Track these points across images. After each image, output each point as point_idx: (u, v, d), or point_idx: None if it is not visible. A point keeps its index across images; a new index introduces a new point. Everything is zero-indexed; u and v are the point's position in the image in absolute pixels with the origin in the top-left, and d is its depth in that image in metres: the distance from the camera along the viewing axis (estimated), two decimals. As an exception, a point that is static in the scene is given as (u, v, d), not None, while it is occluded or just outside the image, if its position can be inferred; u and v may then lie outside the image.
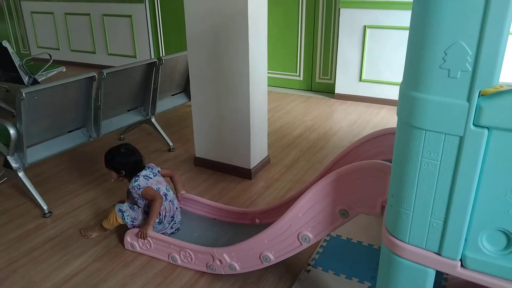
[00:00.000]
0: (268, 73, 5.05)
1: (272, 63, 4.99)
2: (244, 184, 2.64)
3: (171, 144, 3.18)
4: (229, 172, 2.74)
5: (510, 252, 0.96)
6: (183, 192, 2.22)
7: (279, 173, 2.79)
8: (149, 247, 1.92)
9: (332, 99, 4.58)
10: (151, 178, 2.00)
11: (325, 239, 2.03)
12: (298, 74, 4.94)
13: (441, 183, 0.97)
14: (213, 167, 2.80)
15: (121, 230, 2.09)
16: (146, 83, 2.95)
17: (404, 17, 3.95)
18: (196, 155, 2.88)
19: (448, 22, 0.86)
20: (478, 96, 0.89)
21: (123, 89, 2.81)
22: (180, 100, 3.43)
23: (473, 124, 0.90)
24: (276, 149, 3.20)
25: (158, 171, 2.07)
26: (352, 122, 3.81)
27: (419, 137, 0.97)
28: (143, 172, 1.99)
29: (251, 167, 2.68)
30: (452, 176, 0.95)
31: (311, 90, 4.90)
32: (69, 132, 2.65)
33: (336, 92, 4.56)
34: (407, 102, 0.97)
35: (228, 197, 2.50)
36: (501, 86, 2.54)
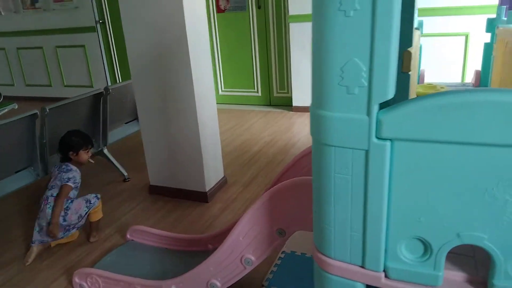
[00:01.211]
0: (226, 91, 5.08)
1: (230, 82, 5.01)
2: (201, 208, 2.61)
3: (125, 174, 3.13)
4: (185, 197, 2.70)
5: (427, 258, 0.97)
6: None
7: (236, 192, 2.78)
8: (98, 286, 1.86)
9: (291, 112, 4.63)
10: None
11: (279, 257, 2.01)
12: (256, 90, 4.97)
13: (355, 196, 0.98)
14: (169, 194, 2.76)
15: (71, 273, 2.02)
16: (94, 114, 2.90)
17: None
18: (151, 183, 2.84)
19: (342, 41, 0.87)
20: (379, 109, 0.91)
21: (70, 122, 2.75)
22: (134, 127, 3.39)
23: (376, 137, 0.91)
24: (234, 168, 3.19)
25: None
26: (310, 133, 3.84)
27: (329, 153, 0.98)
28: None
29: (207, 190, 2.65)
30: (364, 189, 0.96)
31: (270, 105, 4.94)
32: (16, 172, 2.58)
33: (293, 105, 4.61)
34: (315, 120, 0.98)
35: (184, 224, 2.46)
36: (442, 87, 2.60)
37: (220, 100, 5.12)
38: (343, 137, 0.94)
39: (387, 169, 0.93)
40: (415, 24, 2.69)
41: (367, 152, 0.93)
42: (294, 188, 1.29)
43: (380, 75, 0.86)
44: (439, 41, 3.94)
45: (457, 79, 3.97)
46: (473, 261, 1.05)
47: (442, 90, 2.57)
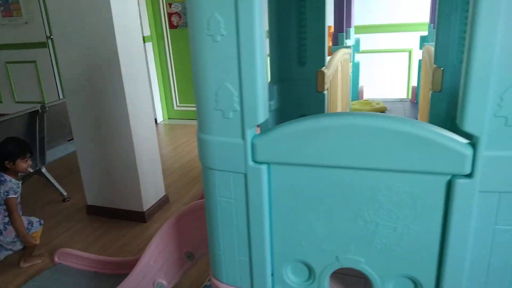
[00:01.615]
0: (181, 106, 5.04)
1: (184, 97, 4.98)
2: (138, 228, 2.55)
3: (64, 193, 3.03)
4: (123, 217, 2.64)
5: (312, 282, 0.97)
6: None
7: (177, 211, 2.73)
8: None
9: (244, 127, 4.62)
10: None
11: (205, 284, 1.98)
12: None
13: (239, 220, 0.97)
14: (107, 214, 2.69)
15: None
16: (31, 133, 2.81)
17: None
18: (88, 203, 2.76)
19: (214, 66, 0.87)
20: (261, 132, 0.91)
21: (3, 142, 2.66)
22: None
23: (252, 160, 0.91)
24: (178, 186, 3.14)
25: None
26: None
27: (212, 177, 0.97)
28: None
29: (145, 210, 2.59)
30: (246, 213, 0.95)
31: (225, 121, 4.93)
32: None
33: (247, 120, 4.61)
34: (199, 144, 0.97)
35: (119, 245, 2.39)
36: (377, 104, 2.66)
37: (175, 116, 5.08)
38: (223, 161, 0.93)
39: (265, 193, 0.92)
40: (351, 42, 2.76)
41: (245, 175, 0.92)
42: (197, 211, 1.27)
43: (250, 99, 0.86)
44: (384, 57, 4.05)
45: (403, 95, 4.08)
46: (363, 282, 1.05)
47: (377, 106, 2.64)
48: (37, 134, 2.82)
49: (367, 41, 3.83)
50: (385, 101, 2.79)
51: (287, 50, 1.56)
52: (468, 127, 0.74)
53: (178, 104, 5.04)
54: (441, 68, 1.40)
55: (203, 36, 0.86)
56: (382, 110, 2.58)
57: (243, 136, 0.89)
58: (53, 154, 3.02)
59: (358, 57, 3.09)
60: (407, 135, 0.78)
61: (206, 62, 0.88)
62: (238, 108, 0.88)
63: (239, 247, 1.00)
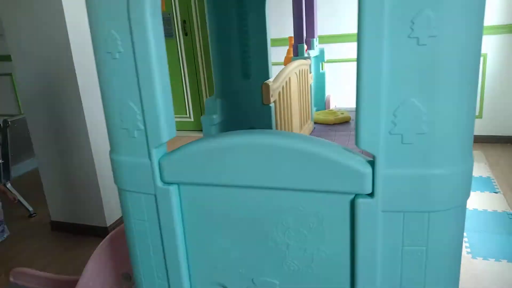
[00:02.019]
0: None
1: (162, 108, 4.95)
2: (101, 243, 2.50)
3: (30, 209, 2.97)
4: (86, 233, 2.59)
5: (230, 305, 0.93)
6: None
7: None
8: None
9: (222, 137, 4.59)
10: None
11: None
12: (188, 115, 4.93)
13: (154, 242, 0.94)
14: (70, 229, 2.64)
15: None
16: (-7, 148, 2.76)
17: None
18: (52, 219, 2.70)
19: (116, 84, 0.84)
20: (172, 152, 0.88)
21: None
22: (45, 159, 3.25)
23: (161, 181, 0.87)
24: (148, 199, 3.09)
25: None
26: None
27: (125, 198, 0.93)
28: None
29: (108, 225, 2.55)
30: (160, 235, 0.92)
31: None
32: None
33: (224, 130, 4.59)
34: (112, 164, 0.93)
35: (81, 262, 2.34)
36: (342, 113, 2.63)
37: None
38: (133, 181, 0.90)
39: (177, 214, 0.89)
40: (315, 52, 2.74)
41: (155, 196, 0.89)
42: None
43: (152, 118, 0.83)
44: (352, 67, 4.05)
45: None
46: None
47: (342, 116, 2.62)
48: (0, 149, 2.77)
49: (336, 51, 3.83)
50: (352, 110, 2.77)
51: (230, 64, 1.54)
52: (364, 145, 0.71)
53: (155, 114, 4.99)
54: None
55: (103, 53, 0.83)
56: (347, 120, 2.56)
57: (149, 156, 0.86)
58: (21, 168, 2.97)
59: (327, 66, 3.08)
60: (306, 153, 0.75)
61: (108, 80, 0.85)
62: (142, 127, 0.85)
63: (157, 269, 0.96)
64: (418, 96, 0.67)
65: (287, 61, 2.76)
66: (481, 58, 3.15)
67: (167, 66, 0.83)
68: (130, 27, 0.78)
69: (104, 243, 1.29)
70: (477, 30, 0.67)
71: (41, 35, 2.22)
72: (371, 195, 0.74)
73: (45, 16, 2.17)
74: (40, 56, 2.26)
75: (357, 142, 0.72)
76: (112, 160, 0.92)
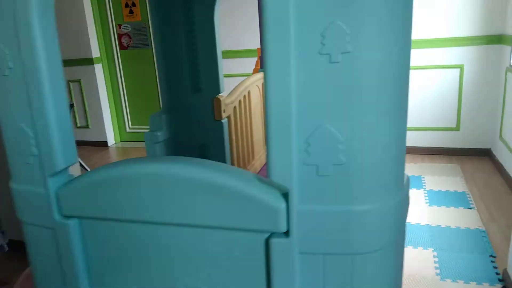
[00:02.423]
0: (134, 128, 4.88)
1: (137, 119, 4.83)
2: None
3: (-13, 226, 2.82)
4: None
5: None
6: None
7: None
8: None
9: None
10: None
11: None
12: (165, 127, 4.80)
13: (56, 279, 0.82)
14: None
15: None
16: None
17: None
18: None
19: (9, 105, 0.74)
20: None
21: None
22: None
23: (60, 214, 0.76)
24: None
25: None
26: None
27: (25, 231, 0.82)
28: None
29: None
30: (60, 272, 0.81)
31: (180, 142, 4.79)
32: None
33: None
34: (11, 193, 0.82)
35: None
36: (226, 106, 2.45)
37: (128, 138, 4.90)
38: (31, 213, 0.79)
39: (77, 252, 0.78)
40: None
41: (54, 231, 0.78)
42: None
43: (45, 141, 0.72)
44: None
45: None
46: None
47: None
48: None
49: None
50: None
51: (179, 76, 1.44)
52: (276, 177, 0.61)
53: (130, 126, 4.87)
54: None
55: (-7, 68, 0.72)
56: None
57: (45, 186, 0.75)
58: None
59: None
60: (211, 185, 0.65)
61: (2, 100, 0.74)
62: (36, 152, 0.74)
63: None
64: (334, 122, 0.57)
65: (254, 73, 2.68)
66: (458, 70, 3.10)
67: (63, 80, 0.72)
68: (18, 41, 0.67)
69: (21, 277, 1.18)
70: (402, 44, 0.58)
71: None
72: (287, 234, 0.64)
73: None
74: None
75: (269, 173, 0.62)
76: (11, 189, 0.81)
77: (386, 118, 0.58)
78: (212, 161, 0.69)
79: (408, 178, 0.69)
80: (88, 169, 3.42)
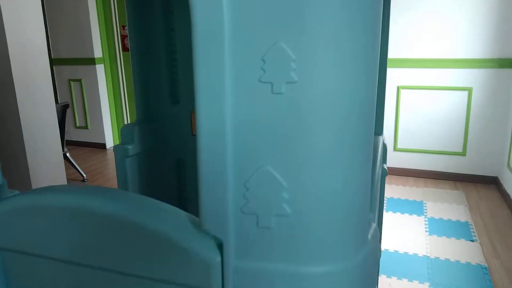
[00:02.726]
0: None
1: (139, 122, 4.76)
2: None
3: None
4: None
5: None
6: None
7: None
8: None
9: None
10: None
11: None
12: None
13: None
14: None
15: None
16: None
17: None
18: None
19: None
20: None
21: None
22: None
23: (-24, 243, 0.66)
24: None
25: None
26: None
27: None
28: None
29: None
30: (-22, 311, 0.71)
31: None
32: None
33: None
34: None
35: None
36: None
37: (128, 141, 4.82)
38: None
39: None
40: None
41: (-30, 262, 0.68)
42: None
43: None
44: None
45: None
46: None
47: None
48: None
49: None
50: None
51: (156, 86, 1.34)
52: (209, 225, 0.50)
53: (131, 129, 4.79)
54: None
55: None
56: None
57: (-41, 210, 0.65)
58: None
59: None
60: (132, 225, 0.54)
61: None
62: (-50, 171, 0.64)
63: None
64: (277, 164, 0.46)
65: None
66: (466, 92, 2.96)
67: None
68: None
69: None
70: (365, 71, 0.47)
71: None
72: (221, 293, 0.53)
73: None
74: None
75: (200, 220, 0.51)
76: None
77: (342, 162, 0.47)
78: (142, 196, 0.58)
79: (376, 228, 0.58)
80: (83, 174, 3.33)
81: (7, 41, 1.99)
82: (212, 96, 0.45)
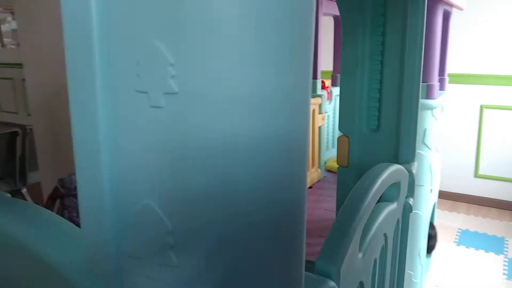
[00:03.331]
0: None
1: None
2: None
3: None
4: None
5: None
6: None
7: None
8: None
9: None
10: None
11: None
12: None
13: None
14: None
15: None
16: (9, 151, 2.80)
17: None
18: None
19: None
20: None
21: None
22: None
23: None
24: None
25: None
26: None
27: None
28: None
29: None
30: None
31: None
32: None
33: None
34: None
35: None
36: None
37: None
38: None
39: None
40: (338, 90, 2.36)
41: None
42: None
43: None
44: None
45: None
46: None
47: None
48: (17, 153, 2.80)
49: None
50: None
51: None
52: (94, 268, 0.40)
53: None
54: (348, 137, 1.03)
55: None
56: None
57: None
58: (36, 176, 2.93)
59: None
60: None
61: None
62: None
63: None
64: (159, 200, 0.35)
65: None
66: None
67: None
68: None
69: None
70: (284, 83, 0.34)
71: (56, 43, 2.16)
72: None
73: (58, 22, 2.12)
74: (54, 62, 2.21)
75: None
76: None
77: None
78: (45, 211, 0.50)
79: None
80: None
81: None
82: (83, 111, 0.35)
